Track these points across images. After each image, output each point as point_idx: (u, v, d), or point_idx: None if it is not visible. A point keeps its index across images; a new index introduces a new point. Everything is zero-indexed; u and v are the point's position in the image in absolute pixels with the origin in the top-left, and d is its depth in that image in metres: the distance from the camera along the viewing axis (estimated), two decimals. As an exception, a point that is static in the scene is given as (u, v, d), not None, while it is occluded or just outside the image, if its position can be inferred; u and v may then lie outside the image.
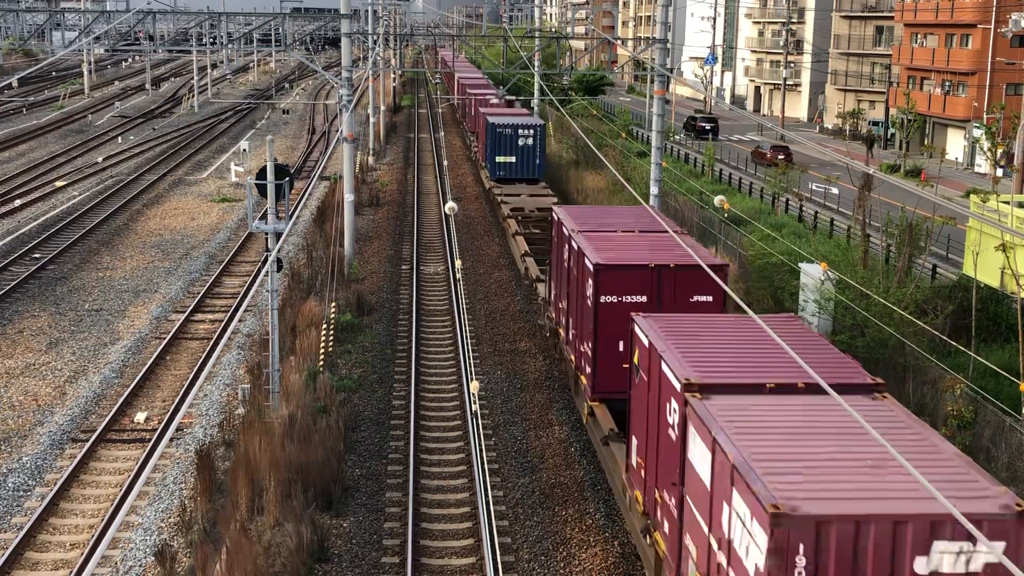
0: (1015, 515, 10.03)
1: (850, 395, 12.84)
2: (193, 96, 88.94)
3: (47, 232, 40.66)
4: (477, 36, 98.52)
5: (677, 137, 66.63)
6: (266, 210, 22.90)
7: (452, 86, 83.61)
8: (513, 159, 45.40)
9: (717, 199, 31.72)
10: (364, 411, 24.32)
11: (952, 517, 9.18)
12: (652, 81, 58.66)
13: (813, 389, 13.15)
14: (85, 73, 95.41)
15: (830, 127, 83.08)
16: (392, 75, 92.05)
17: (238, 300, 32.50)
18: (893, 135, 73.12)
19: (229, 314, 31.00)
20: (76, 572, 17.14)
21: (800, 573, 10.03)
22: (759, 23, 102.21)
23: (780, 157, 57.85)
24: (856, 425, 11.58)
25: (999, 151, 53.72)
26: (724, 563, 11.45)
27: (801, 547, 10.00)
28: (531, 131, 45.35)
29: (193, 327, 30.25)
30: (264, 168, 22.89)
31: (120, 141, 67.09)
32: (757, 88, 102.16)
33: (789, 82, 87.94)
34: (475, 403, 22.01)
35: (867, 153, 68.66)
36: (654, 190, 32.64)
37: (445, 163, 59.76)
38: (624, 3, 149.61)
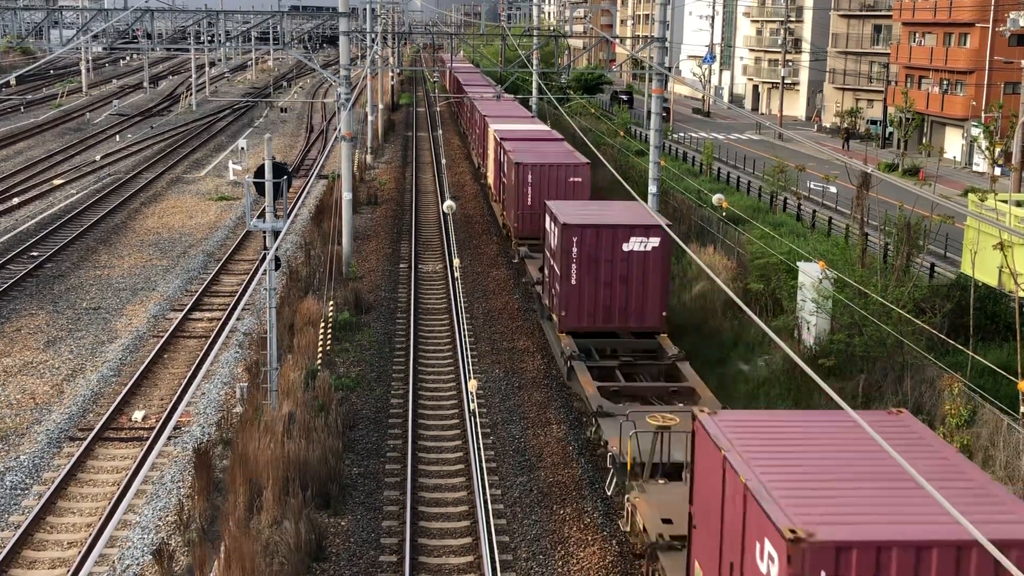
0: None
1: None
2: (191, 94, 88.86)
3: (45, 230, 40.62)
4: (476, 35, 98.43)
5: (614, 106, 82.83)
6: (264, 208, 22.88)
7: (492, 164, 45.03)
8: None
9: (715, 197, 31.72)
10: (362, 409, 24.31)
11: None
12: (650, 80, 58.68)
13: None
14: (83, 71, 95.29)
15: (828, 126, 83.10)
16: (390, 74, 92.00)
17: (236, 298, 32.49)
18: (891, 134, 73.15)
19: (227, 312, 30.98)
20: (74, 571, 17.12)
21: None
22: (757, 22, 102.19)
23: (624, 100, 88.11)
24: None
25: (997, 150, 53.71)
26: None
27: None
28: None
29: (191, 326, 30.23)
30: (262, 166, 22.87)
31: (118, 139, 67.03)
32: (755, 87, 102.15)
33: (787, 81, 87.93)
34: (473, 402, 22.03)
35: (844, 146, 69.23)
36: (652, 189, 32.65)
37: (443, 161, 59.73)
38: (622, 2, 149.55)
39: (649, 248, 24.30)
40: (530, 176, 34.40)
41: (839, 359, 24.39)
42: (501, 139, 39.63)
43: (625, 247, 24.30)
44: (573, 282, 24.41)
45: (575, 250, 24.27)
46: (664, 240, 24.14)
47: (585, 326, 24.73)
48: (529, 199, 34.36)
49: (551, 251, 26.23)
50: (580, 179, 34.22)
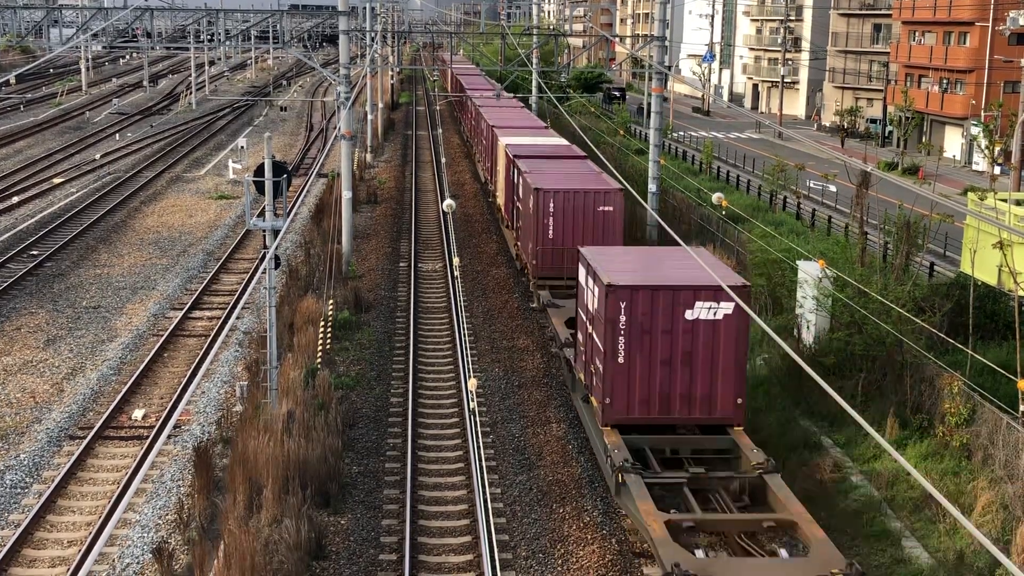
0: None
1: None
2: (191, 93, 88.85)
3: (45, 229, 40.61)
4: (475, 34, 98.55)
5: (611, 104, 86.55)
6: (264, 207, 22.89)
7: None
8: None
9: (715, 196, 31.72)
10: (362, 408, 24.32)
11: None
12: (650, 79, 58.69)
13: None
14: (83, 70, 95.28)
15: (828, 125, 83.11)
16: (390, 72, 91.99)
17: (236, 297, 32.50)
18: (891, 132, 73.16)
19: (227, 311, 30.99)
20: (74, 569, 17.13)
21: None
22: (757, 21, 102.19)
23: (616, 96, 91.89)
24: None
25: (997, 149, 53.76)
26: None
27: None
28: None
29: (191, 324, 30.24)
30: (262, 165, 22.87)
31: (118, 138, 67.03)
32: (755, 86, 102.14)
33: (787, 80, 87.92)
34: (473, 400, 22.02)
35: (840, 145, 69.44)
36: (652, 187, 32.68)
37: (443, 160, 59.73)
38: (622, 1, 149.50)
39: (720, 316, 19.22)
40: (552, 204, 29.32)
41: (839, 358, 24.39)
42: (514, 156, 35.18)
43: (689, 315, 19.18)
44: (621, 360, 19.30)
45: (623, 319, 19.19)
46: (739, 305, 18.27)
47: (636, 418, 19.52)
48: (551, 231, 29.40)
49: (588, 315, 21.08)
50: (611, 208, 29.24)
